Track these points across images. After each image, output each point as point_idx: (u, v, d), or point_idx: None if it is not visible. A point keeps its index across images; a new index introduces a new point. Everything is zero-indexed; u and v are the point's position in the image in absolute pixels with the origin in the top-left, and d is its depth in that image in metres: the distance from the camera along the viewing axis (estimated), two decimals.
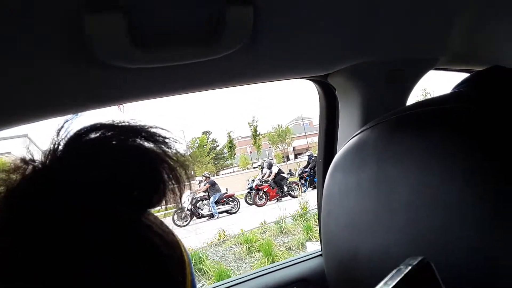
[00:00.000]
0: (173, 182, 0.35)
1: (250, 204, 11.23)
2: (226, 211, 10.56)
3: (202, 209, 10.45)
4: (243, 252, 5.57)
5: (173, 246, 0.36)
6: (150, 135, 0.35)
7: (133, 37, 0.56)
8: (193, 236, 7.18)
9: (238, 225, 6.85)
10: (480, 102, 0.45)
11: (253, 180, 11.72)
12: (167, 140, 0.36)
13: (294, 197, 11.06)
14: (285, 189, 11.44)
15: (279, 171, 11.68)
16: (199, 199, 10.53)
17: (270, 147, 31.92)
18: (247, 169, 26.43)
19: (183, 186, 0.36)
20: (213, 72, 0.76)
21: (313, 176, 12.38)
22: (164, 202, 0.35)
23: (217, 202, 10.55)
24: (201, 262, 5.05)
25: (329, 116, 1.07)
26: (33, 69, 0.59)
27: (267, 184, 11.19)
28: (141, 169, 0.33)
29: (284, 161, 25.87)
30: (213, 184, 10.79)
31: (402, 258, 0.53)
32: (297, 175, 13.48)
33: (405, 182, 0.52)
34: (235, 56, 0.70)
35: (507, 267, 0.38)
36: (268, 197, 11.09)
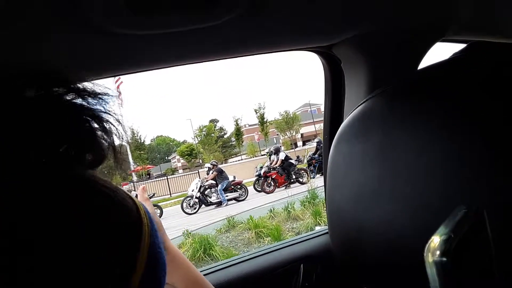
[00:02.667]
0: (107, 136, 0.33)
1: (259, 191, 11.29)
2: (234, 198, 10.68)
3: (210, 197, 10.57)
4: (252, 238, 5.62)
5: (125, 212, 0.33)
6: (77, 90, 0.32)
7: (128, 0, 0.54)
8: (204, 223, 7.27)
9: (247, 212, 6.90)
10: (478, 65, 0.44)
11: (261, 167, 11.77)
12: (99, 96, 0.33)
13: (302, 183, 11.11)
14: (293, 175, 11.46)
15: (286, 157, 11.67)
16: (207, 186, 10.64)
17: (277, 135, 31.89)
18: (255, 156, 26.49)
19: (119, 140, 0.34)
20: (212, 40, 0.73)
21: (322, 162, 12.30)
22: (102, 158, 0.33)
23: (225, 190, 10.66)
24: (211, 248, 5.11)
25: (334, 89, 1.04)
26: (23, 31, 0.57)
27: (275, 171, 11.21)
28: (63, 122, 0.30)
29: (292, 148, 25.83)
30: (220, 172, 10.89)
31: (407, 228, 0.52)
32: (305, 161, 13.46)
33: (411, 147, 0.50)
34: (235, 23, 0.68)
35: None
36: (277, 184, 11.15)
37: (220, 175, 10.82)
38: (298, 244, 1.20)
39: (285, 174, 11.33)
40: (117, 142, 0.34)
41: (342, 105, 1.02)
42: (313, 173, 12.30)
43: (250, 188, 11.30)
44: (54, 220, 0.27)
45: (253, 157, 26.82)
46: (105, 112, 0.33)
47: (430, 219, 0.43)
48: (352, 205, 0.60)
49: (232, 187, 10.81)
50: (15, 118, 0.28)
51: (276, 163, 11.48)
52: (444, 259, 0.30)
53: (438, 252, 0.30)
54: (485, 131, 0.39)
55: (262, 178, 11.21)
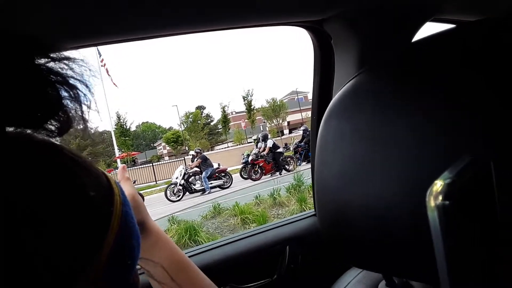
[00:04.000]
0: (75, 103, 0.31)
1: (245, 179, 11.31)
2: (219, 186, 10.66)
3: (194, 184, 10.54)
4: (238, 224, 5.63)
5: (94, 176, 0.31)
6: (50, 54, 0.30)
7: None
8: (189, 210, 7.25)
9: (233, 199, 6.91)
10: (463, 40, 0.44)
11: (248, 155, 11.75)
12: (73, 60, 0.31)
13: (288, 171, 11.16)
14: (281, 163, 11.50)
15: (274, 145, 11.69)
16: (191, 174, 10.59)
17: (264, 122, 31.92)
18: (242, 144, 26.49)
19: (87, 107, 0.32)
20: (193, 9, 0.69)
21: (308, 150, 12.46)
22: (68, 125, 0.31)
23: (210, 177, 10.63)
24: (196, 234, 5.10)
25: (323, 66, 1.01)
26: None
27: (263, 159, 11.23)
28: (27, 84, 0.28)
29: (279, 136, 25.90)
30: (204, 159, 10.84)
31: (398, 205, 0.50)
32: (292, 149, 13.54)
33: (402, 121, 0.49)
34: None
35: None
36: (264, 172, 11.18)
37: (205, 162, 10.77)
38: (284, 227, 1.18)
39: (272, 162, 11.36)
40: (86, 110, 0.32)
41: (331, 83, 0.99)
42: (299, 161, 12.38)
43: (236, 176, 11.30)
44: (17, 183, 0.25)
45: (239, 144, 26.81)
46: (75, 78, 0.31)
47: (421, 192, 0.41)
48: (340, 181, 0.58)
49: (217, 174, 10.78)
50: None
51: (263, 151, 11.48)
52: (447, 202, 0.30)
53: (441, 196, 0.30)
54: (471, 102, 0.39)
55: (250, 165, 11.20)
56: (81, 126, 0.32)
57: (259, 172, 11.13)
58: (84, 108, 0.31)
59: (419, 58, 0.50)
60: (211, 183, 10.54)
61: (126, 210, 0.32)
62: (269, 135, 13.08)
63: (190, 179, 10.50)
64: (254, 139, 14.05)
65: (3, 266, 0.23)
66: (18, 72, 0.27)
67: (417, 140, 0.46)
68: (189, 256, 1.02)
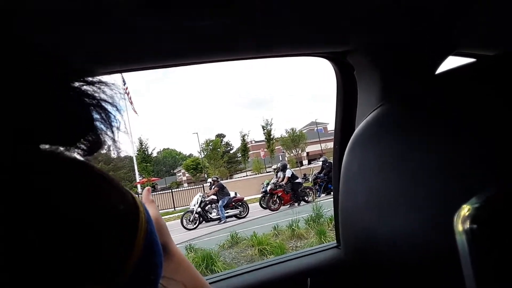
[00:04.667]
0: (106, 124, 0.32)
1: (264, 208, 11.15)
2: (235, 215, 10.50)
3: (210, 213, 10.44)
4: (255, 255, 5.51)
5: (122, 194, 0.32)
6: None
7: None
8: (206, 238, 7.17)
9: (250, 229, 6.79)
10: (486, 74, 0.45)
11: (268, 184, 11.68)
12: (105, 84, 0.32)
13: (307, 202, 10.97)
14: (299, 194, 11.33)
15: (293, 176, 11.58)
16: (208, 202, 10.52)
17: (283, 152, 31.85)
18: (260, 173, 26.40)
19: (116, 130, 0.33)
20: (221, 41, 0.72)
21: (327, 182, 12.28)
22: (98, 145, 0.32)
23: (226, 206, 10.51)
24: (213, 264, 5.02)
25: (346, 96, 1.03)
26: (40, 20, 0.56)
27: (281, 189, 11.10)
28: (62, 103, 0.29)
29: (298, 167, 25.70)
30: (221, 188, 10.77)
31: (426, 237, 0.49)
32: (311, 180, 13.37)
33: (428, 152, 0.48)
34: (249, 22, 0.67)
35: None
36: (282, 202, 11.02)
37: (222, 191, 10.70)
38: (305, 258, 1.16)
39: (291, 192, 11.21)
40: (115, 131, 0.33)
41: (354, 113, 1.00)
42: (319, 192, 12.17)
43: (254, 205, 11.15)
44: (55, 197, 0.26)
45: (258, 173, 26.72)
46: (106, 101, 0.32)
47: (447, 222, 0.40)
48: (366, 212, 0.57)
49: (233, 203, 10.64)
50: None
51: (282, 180, 11.38)
52: (475, 226, 0.30)
53: (468, 220, 0.30)
54: (501, 132, 0.38)
55: (268, 195, 11.09)
56: (111, 146, 0.33)
57: (278, 202, 10.99)
58: (114, 129, 0.33)
59: (444, 91, 0.50)
60: (227, 212, 10.40)
61: (151, 228, 0.33)
62: (288, 165, 13.01)
63: (206, 207, 10.43)
64: (274, 169, 13.99)
65: (52, 269, 0.24)
66: (55, 93, 0.29)
67: (444, 171, 0.45)
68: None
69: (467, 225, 0.31)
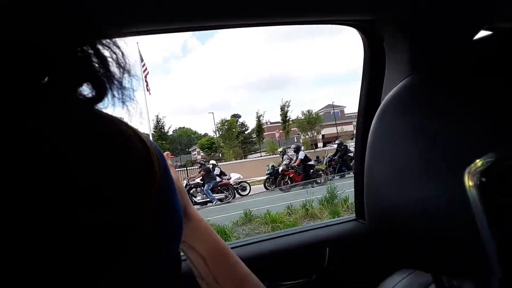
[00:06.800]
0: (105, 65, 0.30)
1: (268, 190, 11.10)
2: (219, 200, 10.41)
3: (195, 196, 10.42)
4: (268, 231, 5.60)
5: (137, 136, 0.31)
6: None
7: None
8: (219, 215, 7.31)
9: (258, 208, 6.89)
10: None
11: (273, 166, 11.70)
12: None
13: (319, 184, 10.90)
14: (311, 176, 11.31)
15: (306, 157, 11.55)
16: (192, 186, 10.50)
17: (298, 134, 31.71)
18: (275, 154, 26.45)
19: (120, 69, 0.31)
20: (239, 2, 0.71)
21: (342, 164, 12.20)
22: (103, 90, 0.31)
23: (212, 190, 10.43)
24: (227, 239, 5.13)
25: (373, 67, 1.00)
26: None
27: (293, 170, 11.12)
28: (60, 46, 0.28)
29: (313, 149, 25.61)
30: (208, 172, 10.71)
31: (452, 204, 0.48)
32: (325, 162, 13.33)
33: (459, 120, 0.47)
34: None
35: None
36: (293, 183, 11.02)
37: (208, 174, 10.61)
38: (323, 229, 1.17)
39: (302, 174, 11.20)
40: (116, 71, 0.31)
41: (381, 84, 0.98)
42: (332, 174, 12.14)
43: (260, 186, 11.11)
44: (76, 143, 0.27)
45: (272, 154, 26.77)
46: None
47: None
48: (393, 178, 0.57)
49: (219, 187, 10.57)
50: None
51: (295, 162, 11.38)
52: (483, 179, 0.30)
53: (478, 174, 0.30)
54: None
55: (280, 176, 11.11)
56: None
57: (289, 183, 10.98)
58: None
59: (476, 61, 0.49)
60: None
61: (165, 164, 0.33)
62: (302, 147, 12.95)
63: (191, 191, 10.39)
64: (280, 151, 13.90)
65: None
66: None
67: (475, 137, 0.44)
68: None
69: (477, 179, 0.31)
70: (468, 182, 0.31)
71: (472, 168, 0.32)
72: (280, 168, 11.26)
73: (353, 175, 1.22)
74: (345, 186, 6.32)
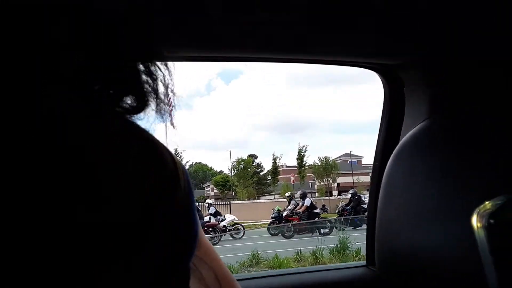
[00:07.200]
0: (151, 81, 0.33)
1: (273, 235, 10.53)
2: None
3: None
4: None
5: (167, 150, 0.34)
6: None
7: None
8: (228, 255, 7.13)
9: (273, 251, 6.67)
10: None
11: (279, 210, 11.32)
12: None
13: (323, 234, 9.47)
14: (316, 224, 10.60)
15: (312, 205, 11.19)
16: None
17: (314, 180, 31.28)
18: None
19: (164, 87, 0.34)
20: (266, 38, 0.75)
21: (354, 214, 11.67)
22: (144, 103, 0.33)
23: None
24: None
25: (392, 110, 1.02)
26: None
27: (297, 216, 10.70)
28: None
29: (327, 196, 25.10)
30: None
31: (459, 257, 0.47)
32: (337, 211, 12.91)
33: (473, 169, 0.48)
34: (301, 21, 0.70)
35: None
36: (297, 230, 10.36)
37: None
38: (332, 271, 1.13)
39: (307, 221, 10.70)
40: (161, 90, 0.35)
41: (399, 126, 0.99)
42: (343, 225, 11.54)
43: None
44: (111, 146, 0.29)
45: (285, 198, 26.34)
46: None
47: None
48: (404, 221, 0.57)
49: (205, 228, 10.05)
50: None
51: (300, 208, 11.01)
52: (492, 221, 0.31)
53: (487, 217, 0.31)
54: None
55: (283, 221, 10.67)
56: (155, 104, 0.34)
57: (292, 230, 10.26)
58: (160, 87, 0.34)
59: (492, 105, 0.50)
60: None
61: (188, 178, 0.36)
62: (307, 193, 12.58)
63: None
64: (287, 196, 13.56)
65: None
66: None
67: (486, 180, 0.44)
68: None
69: (486, 221, 0.31)
70: (477, 223, 0.32)
71: (481, 209, 0.32)
72: (285, 213, 10.87)
73: (365, 227, 1.19)
74: (356, 240, 6.06)
